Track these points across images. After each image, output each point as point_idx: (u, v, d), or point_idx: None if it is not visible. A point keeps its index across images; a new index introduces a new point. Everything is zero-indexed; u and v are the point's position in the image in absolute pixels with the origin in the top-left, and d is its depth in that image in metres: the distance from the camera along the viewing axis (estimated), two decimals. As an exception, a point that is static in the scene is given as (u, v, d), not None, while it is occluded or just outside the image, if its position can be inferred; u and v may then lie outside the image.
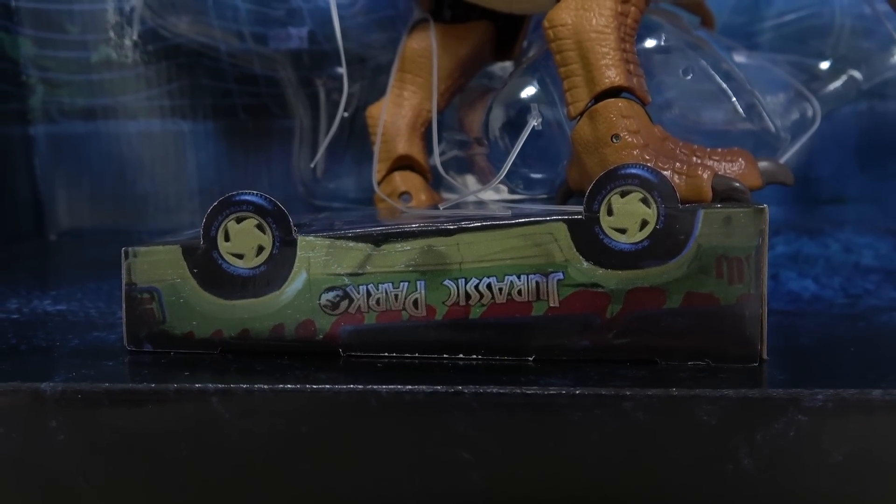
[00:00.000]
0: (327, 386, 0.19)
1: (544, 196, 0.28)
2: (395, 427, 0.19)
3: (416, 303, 0.21)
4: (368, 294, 0.21)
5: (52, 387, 0.19)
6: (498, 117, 0.27)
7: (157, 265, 0.22)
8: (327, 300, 0.22)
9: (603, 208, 0.21)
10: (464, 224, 0.21)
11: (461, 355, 0.21)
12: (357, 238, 0.21)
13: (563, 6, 0.23)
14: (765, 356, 0.21)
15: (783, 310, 0.27)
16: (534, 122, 0.25)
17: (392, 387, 0.19)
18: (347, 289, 0.21)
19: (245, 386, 0.19)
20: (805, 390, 0.18)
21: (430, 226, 0.21)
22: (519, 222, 0.21)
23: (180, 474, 0.19)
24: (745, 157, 0.24)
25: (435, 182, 0.33)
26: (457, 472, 0.19)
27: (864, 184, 0.40)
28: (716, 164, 0.23)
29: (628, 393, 0.18)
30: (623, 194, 0.21)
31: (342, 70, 0.34)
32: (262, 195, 0.21)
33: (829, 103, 0.30)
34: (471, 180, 0.34)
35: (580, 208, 0.21)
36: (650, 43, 0.25)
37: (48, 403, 0.19)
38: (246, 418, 0.19)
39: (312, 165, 0.30)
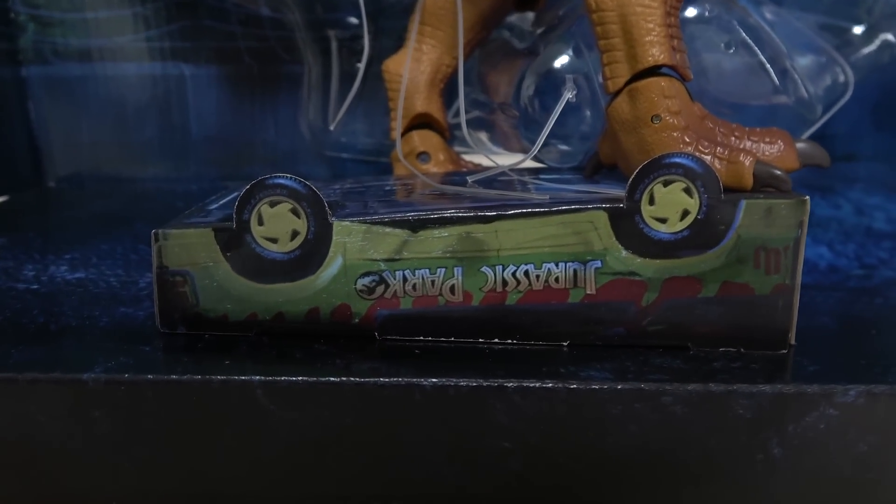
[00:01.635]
0: (372, 379, 0.19)
1: (573, 167, 0.27)
2: (437, 418, 0.19)
3: (452, 289, 0.21)
4: (405, 279, 0.21)
5: (94, 378, 0.19)
6: (531, 87, 0.26)
7: (189, 248, 0.21)
8: (363, 285, 0.21)
9: (645, 197, 0.21)
10: (503, 211, 0.21)
11: (496, 340, 0.22)
12: (394, 224, 0.21)
13: None
14: (793, 341, 0.21)
15: (801, 283, 0.28)
16: (569, 95, 0.24)
17: (436, 380, 0.19)
18: (384, 274, 0.21)
19: (290, 378, 0.19)
20: (838, 386, 0.19)
21: (468, 212, 0.21)
22: (559, 210, 0.21)
23: (226, 464, 0.19)
24: (783, 139, 0.23)
25: (451, 139, 0.32)
26: (497, 460, 0.19)
27: (878, 141, 0.39)
28: (755, 146, 0.23)
29: (668, 388, 0.19)
30: (666, 183, 0.21)
31: (355, 19, 0.33)
32: (296, 179, 0.21)
33: (862, 69, 0.29)
34: (486, 141, 0.33)
35: (619, 193, 0.21)
36: (692, 13, 0.24)
37: (91, 395, 0.19)
38: (291, 410, 0.19)
39: (332, 128, 0.29)
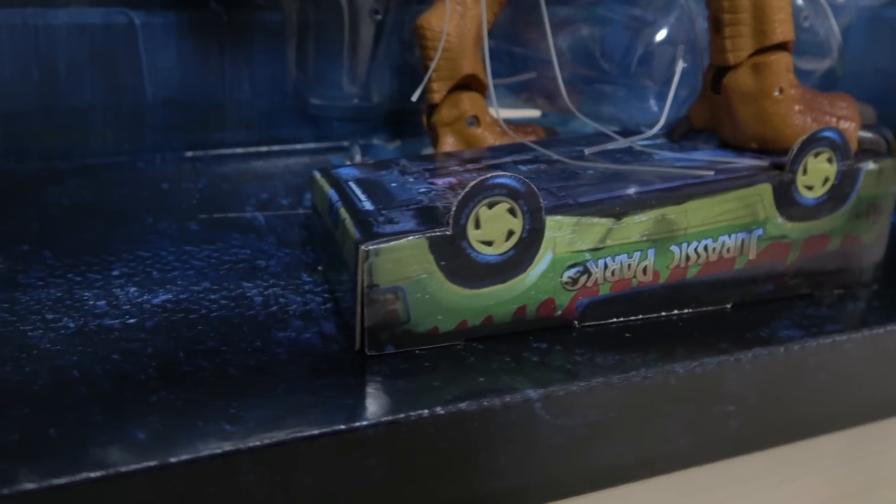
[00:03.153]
0: (634, 373, 0.19)
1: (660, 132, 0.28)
2: (683, 396, 0.20)
3: (645, 269, 0.22)
4: (605, 266, 0.22)
5: (372, 425, 0.17)
6: (642, 54, 0.26)
7: (402, 262, 0.19)
8: (569, 277, 0.21)
9: (800, 168, 0.23)
10: (694, 191, 0.22)
11: (675, 311, 0.23)
12: (600, 213, 0.21)
13: None
14: (874, 277, 0.26)
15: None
16: (683, 65, 0.25)
17: (688, 363, 0.20)
18: (587, 264, 0.21)
19: (567, 387, 0.19)
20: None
21: (665, 195, 0.22)
22: (735, 185, 0.22)
23: (505, 479, 0.19)
24: (851, 102, 0.27)
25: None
26: (721, 422, 0.21)
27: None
28: (838, 110, 0.26)
29: (851, 336, 0.22)
30: (815, 155, 0.23)
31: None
32: (515, 177, 0.19)
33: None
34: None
35: (758, 162, 0.23)
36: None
37: (369, 444, 0.17)
38: (563, 416, 0.19)
39: (414, 98, 0.26)
